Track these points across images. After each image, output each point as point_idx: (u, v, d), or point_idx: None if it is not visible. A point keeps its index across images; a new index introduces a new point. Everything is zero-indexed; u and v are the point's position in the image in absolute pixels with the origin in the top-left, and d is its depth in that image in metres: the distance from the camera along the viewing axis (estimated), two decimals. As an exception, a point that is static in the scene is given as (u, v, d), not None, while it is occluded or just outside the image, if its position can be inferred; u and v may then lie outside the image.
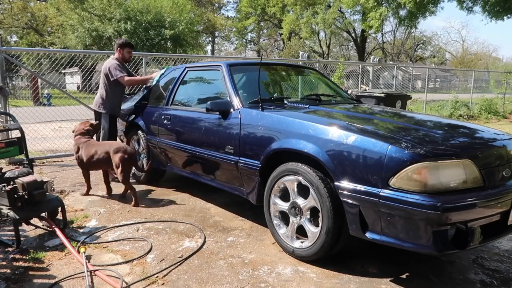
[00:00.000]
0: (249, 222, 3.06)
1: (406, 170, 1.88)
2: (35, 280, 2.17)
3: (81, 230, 2.88)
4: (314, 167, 2.26)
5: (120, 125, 4.51)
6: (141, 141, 4.04)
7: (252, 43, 46.70)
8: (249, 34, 44.52)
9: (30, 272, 2.26)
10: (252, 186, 2.73)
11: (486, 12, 15.44)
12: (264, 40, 47.24)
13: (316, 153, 2.21)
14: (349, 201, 2.08)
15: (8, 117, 4.27)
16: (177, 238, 2.75)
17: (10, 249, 2.53)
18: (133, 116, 4.16)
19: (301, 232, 2.42)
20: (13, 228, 2.54)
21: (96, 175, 4.49)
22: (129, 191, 3.50)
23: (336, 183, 2.13)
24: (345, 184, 2.09)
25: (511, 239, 2.78)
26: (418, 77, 30.31)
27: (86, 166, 3.53)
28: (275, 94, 3.54)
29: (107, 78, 3.99)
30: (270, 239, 2.70)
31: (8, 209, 2.53)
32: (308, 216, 2.34)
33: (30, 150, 3.36)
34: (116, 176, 3.53)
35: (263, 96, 2.84)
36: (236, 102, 2.91)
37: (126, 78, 3.98)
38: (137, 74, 7.42)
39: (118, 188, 3.99)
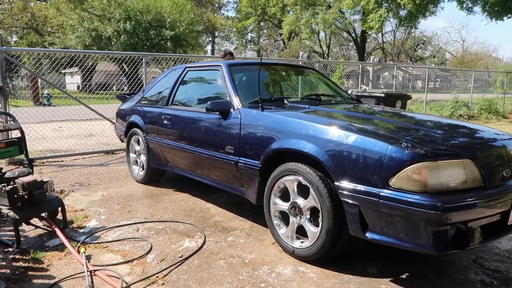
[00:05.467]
0: (249, 222, 3.06)
1: (406, 170, 1.88)
2: (35, 280, 2.17)
3: (81, 230, 2.88)
4: (314, 167, 2.26)
5: (120, 125, 4.52)
6: (141, 141, 4.04)
7: (252, 43, 46.69)
8: (249, 34, 44.51)
9: (30, 272, 2.26)
10: (252, 186, 2.73)
11: (486, 12, 15.43)
12: (264, 40, 47.22)
13: (316, 153, 2.21)
14: (349, 201, 2.08)
15: (8, 117, 4.27)
16: (177, 238, 2.75)
17: (10, 249, 2.53)
18: (133, 116, 4.16)
19: (301, 232, 2.42)
20: (13, 228, 2.54)
21: (96, 175, 4.50)
22: None
23: (336, 183, 2.13)
24: (345, 184, 2.09)
25: (511, 239, 2.78)
26: (418, 77, 30.28)
27: None
28: (275, 94, 3.54)
29: None
30: (270, 239, 2.70)
31: (8, 209, 2.53)
32: (308, 216, 2.34)
33: (30, 150, 3.36)
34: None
35: (263, 96, 2.84)
36: (236, 102, 2.91)
37: None
38: (137, 74, 7.44)
39: (118, 187, 3.99)
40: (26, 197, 2.55)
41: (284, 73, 3.97)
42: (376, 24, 19.55)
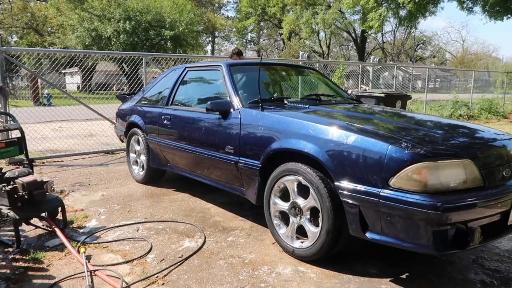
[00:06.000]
0: (249, 222, 3.06)
1: (406, 170, 1.88)
2: (35, 280, 2.17)
3: (81, 230, 2.88)
4: (314, 167, 2.26)
5: (120, 125, 4.52)
6: (141, 141, 4.04)
7: (252, 43, 46.71)
8: (249, 34, 44.55)
9: (30, 272, 2.26)
10: (252, 186, 2.73)
11: (486, 12, 15.43)
12: (264, 40, 47.26)
13: (316, 153, 2.21)
14: (349, 201, 2.08)
15: (8, 117, 4.27)
16: (177, 238, 2.75)
17: (10, 249, 2.53)
18: (133, 116, 4.16)
19: (301, 232, 2.42)
20: (13, 228, 2.54)
21: (96, 175, 4.50)
22: None
23: (336, 183, 2.13)
24: (345, 184, 2.09)
25: (511, 239, 2.78)
26: (418, 77, 30.26)
27: None
28: (275, 94, 3.54)
29: None
30: (270, 239, 2.70)
31: (8, 209, 2.53)
32: (308, 216, 2.34)
33: (30, 150, 3.36)
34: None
35: (263, 96, 2.83)
36: (236, 102, 2.91)
37: None
38: (137, 74, 7.43)
39: (118, 187, 3.99)
40: (26, 197, 2.55)
41: (284, 73, 3.97)
42: (376, 23, 19.57)
